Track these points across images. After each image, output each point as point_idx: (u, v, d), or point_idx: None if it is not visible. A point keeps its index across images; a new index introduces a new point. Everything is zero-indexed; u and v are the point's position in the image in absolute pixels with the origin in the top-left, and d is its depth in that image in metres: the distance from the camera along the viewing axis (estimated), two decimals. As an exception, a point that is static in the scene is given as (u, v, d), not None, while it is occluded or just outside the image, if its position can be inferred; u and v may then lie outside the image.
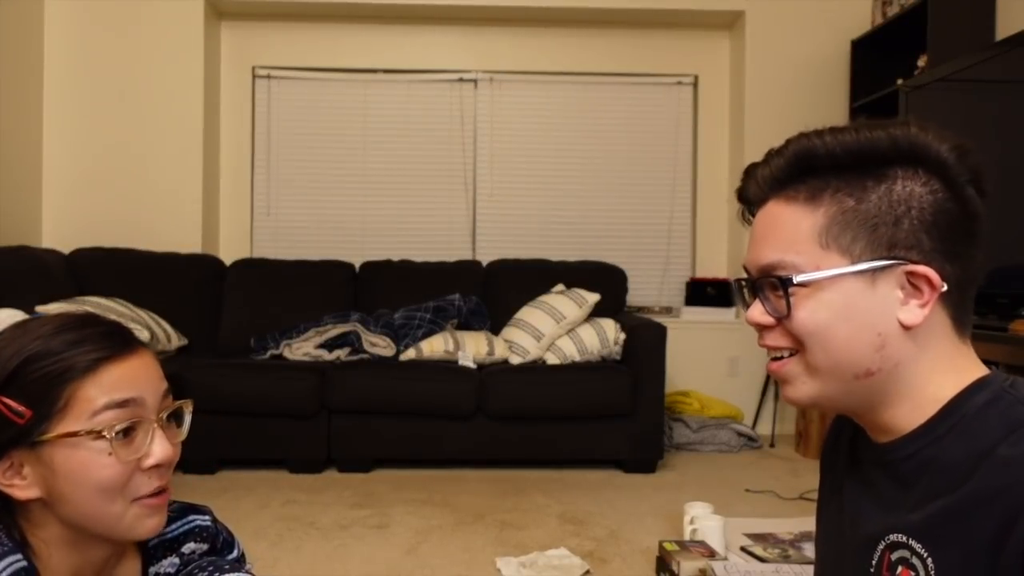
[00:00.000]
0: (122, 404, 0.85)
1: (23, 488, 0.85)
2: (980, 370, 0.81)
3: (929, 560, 0.75)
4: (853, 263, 0.77)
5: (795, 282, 0.78)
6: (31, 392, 0.83)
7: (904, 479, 0.80)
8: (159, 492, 0.89)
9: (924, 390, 0.79)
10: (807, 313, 0.78)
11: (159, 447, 0.87)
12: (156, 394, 0.89)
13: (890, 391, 0.80)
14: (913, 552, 0.76)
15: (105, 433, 0.84)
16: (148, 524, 0.88)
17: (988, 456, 0.72)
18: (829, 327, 0.78)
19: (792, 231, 0.80)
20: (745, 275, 0.87)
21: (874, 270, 0.77)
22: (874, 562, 0.81)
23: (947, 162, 0.77)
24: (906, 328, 0.77)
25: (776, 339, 0.82)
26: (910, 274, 0.77)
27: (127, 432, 0.85)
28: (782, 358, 0.83)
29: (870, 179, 0.78)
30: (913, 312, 0.77)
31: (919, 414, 0.79)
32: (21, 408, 0.83)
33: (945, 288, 0.77)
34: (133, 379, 0.87)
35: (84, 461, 0.84)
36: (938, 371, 0.79)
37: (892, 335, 0.77)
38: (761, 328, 0.83)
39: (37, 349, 0.84)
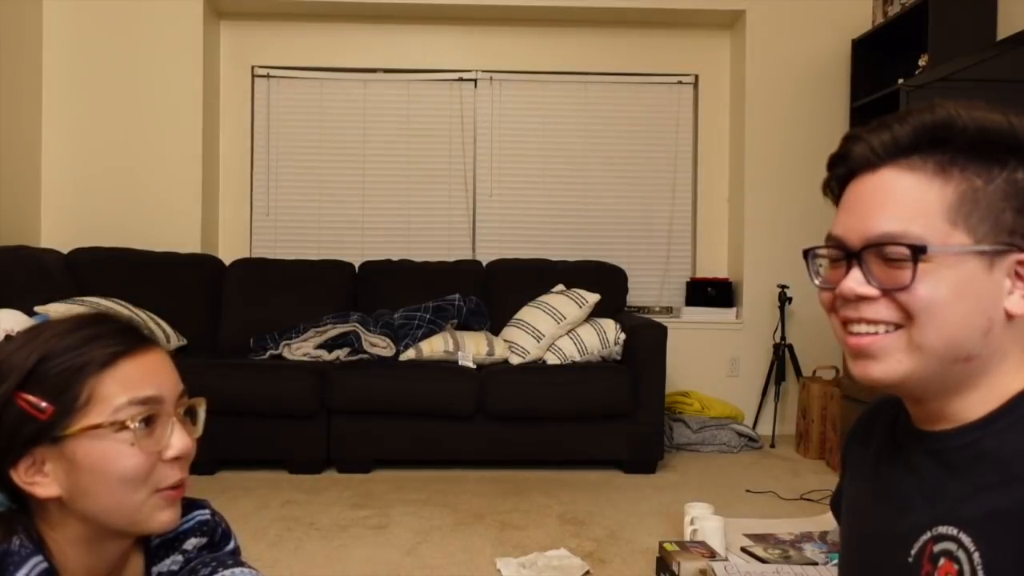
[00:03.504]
0: (144, 402, 0.87)
1: (44, 486, 0.86)
2: None
3: (976, 555, 0.73)
4: (976, 243, 0.76)
5: (928, 252, 0.75)
6: (51, 388, 0.84)
7: (953, 468, 0.79)
8: (177, 485, 0.90)
9: (1000, 382, 0.78)
10: (928, 287, 0.76)
11: (178, 439, 0.89)
12: (173, 392, 0.91)
13: (972, 380, 0.79)
14: (960, 545, 0.75)
15: (129, 424, 0.85)
16: (164, 517, 0.89)
17: None
18: (948, 304, 0.76)
19: (917, 202, 0.77)
20: (827, 244, 0.84)
21: (994, 253, 0.76)
22: (913, 551, 0.80)
23: None
24: (1009, 317, 0.77)
25: (879, 312, 0.79)
26: (1021, 263, 0.76)
27: (148, 423, 0.87)
28: (873, 334, 0.80)
29: (995, 163, 0.77)
30: (1019, 302, 0.77)
31: (985, 406, 0.79)
32: (43, 404, 0.83)
33: None
34: (151, 375, 0.89)
35: (107, 452, 0.85)
36: (1020, 366, 0.79)
37: (998, 322, 0.77)
38: (858, 300, 0.80)
39: (54, 346, 0.86)
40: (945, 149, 0.77)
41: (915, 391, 0.81)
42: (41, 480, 0.86)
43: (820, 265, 0.85)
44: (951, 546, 0.76)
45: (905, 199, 0.78)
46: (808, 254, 0.86)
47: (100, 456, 0.85)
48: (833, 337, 0.85)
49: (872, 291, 0.78)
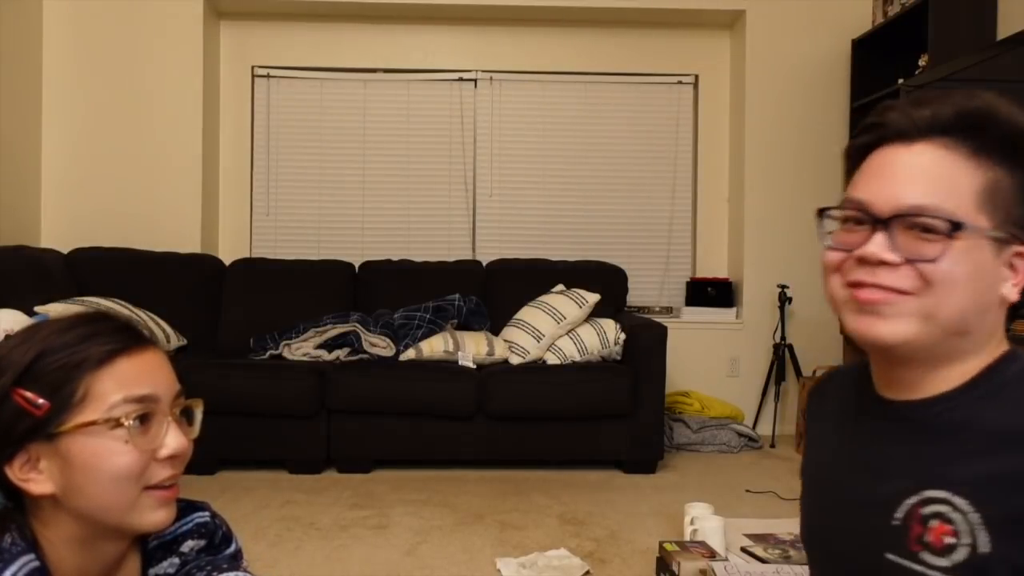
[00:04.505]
0: (139, 400, 0.86)
1: (39, 483, 0.86)
2: None
3: (975, 515, 0.77)
4: (994, 229, 0.81)
5: (964, 229, 0.79)
6: (48, 384, 0.84)
7: (933, 436, 0.83)
8: (171, 485, 0.90)
9: (977, 359, 0.84)
10: (951, 263, 0.79)
11: (173, 438, 0.89)
12: (170, 391, 0.90)
13: (960, 353, 0.83)
14: (954, 508, 0.78)
15: (123, 421, 0.85)
16: (158, 516, 0.89)
17: None
18: (965, 281, 0.80)
19: (952, 181, 0.81)
20: (847, 206, 0.85)
21: (1004, 241, 0.81)
22: (899, 515, 0.82)
23: None
24: (1004, 303, 0.83)
25: (897, 279, 0.81)
26: (1018, 255, 0.82)
27: (143, 421, 0.87)
28: (887, 293, 0.82)
29: (1021, 160, 0.82)
30: (1011, 289, 0.83)
31: (960, 378, 0.84)
32: (40, 400, 0.84)
33: None
34: (147, 374, 0.88)
35: (101, 450, 0.85)
36: (993, 346, 0.84)
37: (994, 304, 0.83)
38: (878, 264, 0.81)
39: (51, 343, 0.86)
40: (979, 137, 0.81)
41: (907, 355, 0.84)
42: (35, 477, 0.85)
43: (829, 227, 0.88)
44: (943, 508, 0.79)
45: (940, 176, 0.81)
46: (823, 213, 0.88)
47: (94, 453, 0.84)
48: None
49: (896, 258, 0.81)
